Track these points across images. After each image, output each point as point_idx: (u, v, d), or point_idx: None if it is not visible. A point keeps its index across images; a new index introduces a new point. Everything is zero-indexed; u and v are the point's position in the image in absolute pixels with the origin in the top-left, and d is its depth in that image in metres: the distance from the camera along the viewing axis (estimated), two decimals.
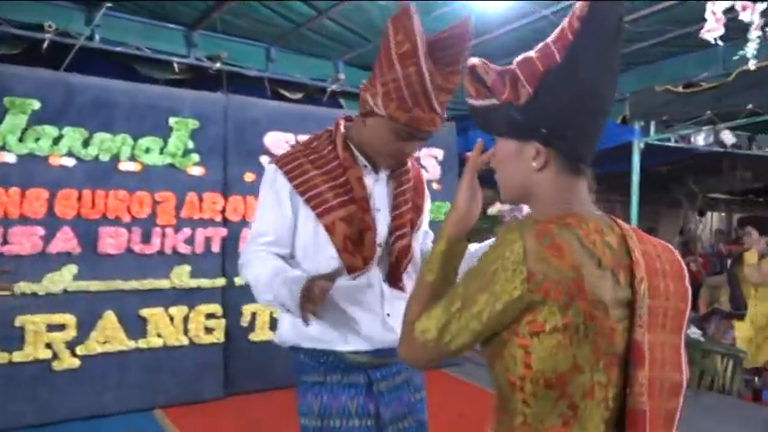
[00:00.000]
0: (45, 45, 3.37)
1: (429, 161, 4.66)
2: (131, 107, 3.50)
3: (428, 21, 3.95)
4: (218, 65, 3.96)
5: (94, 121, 3.39)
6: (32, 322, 3.16)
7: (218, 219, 3.77)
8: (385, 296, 1.62)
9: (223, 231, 3.78)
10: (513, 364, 0.96)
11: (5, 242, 3.11)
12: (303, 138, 4.01)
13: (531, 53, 1.02)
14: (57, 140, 3.27)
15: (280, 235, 1.59)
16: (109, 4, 3.38)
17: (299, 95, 4.69)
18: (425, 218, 1.78)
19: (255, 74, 4.17)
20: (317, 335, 1.57)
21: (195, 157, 3.70)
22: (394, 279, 1.65)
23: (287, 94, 4.64)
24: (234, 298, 3.81)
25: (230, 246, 3.80)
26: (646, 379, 0.98)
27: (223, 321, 3.77)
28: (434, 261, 1.08)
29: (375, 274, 1.62)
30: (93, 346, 3.34)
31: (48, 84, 3.27)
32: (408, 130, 1.54)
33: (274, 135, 3.98)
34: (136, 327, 3.49)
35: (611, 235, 1.01)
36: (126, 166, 3.46)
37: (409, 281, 1.67)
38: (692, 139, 5.36)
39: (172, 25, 3.78)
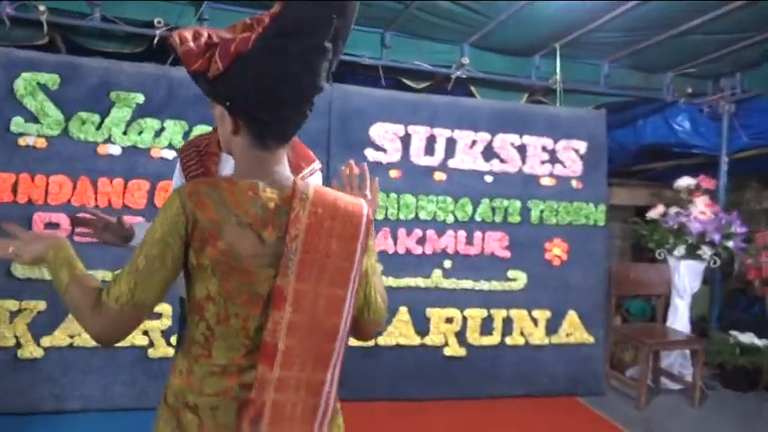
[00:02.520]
0: (155, 41, 3.53)
1: (568, 154, 4.06)
2: None
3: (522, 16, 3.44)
4: None
5: (195, 113, 3.45)
6: None
7: None
8: None
9: None
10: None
11: None
12: (415, 128, 3.77)
13: (237, 35, 1.15)
14: (158, 133, 3.39)
15: None
16: None
17: (423, 84, 4.40)
18: None
19: (369, 62, 3.98)
20: None
21: None
22: None
23: (410, 83, 4.37)
24: None
25: None
26: (284, 319, 1.18)
27: None
28: (57, 274, 1.22)
29: None
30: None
31: (152, 78, 3.40)
32: None
33: (381, 126, 3.75)
34: None
35: (272, 198, 1.21)
36: None
37: None
38: None
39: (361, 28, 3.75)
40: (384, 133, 3.75)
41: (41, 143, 3.21)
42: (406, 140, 3.79)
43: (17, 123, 3.18)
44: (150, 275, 1.13)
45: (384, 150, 3.76)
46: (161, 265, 1.13)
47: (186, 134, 3.41)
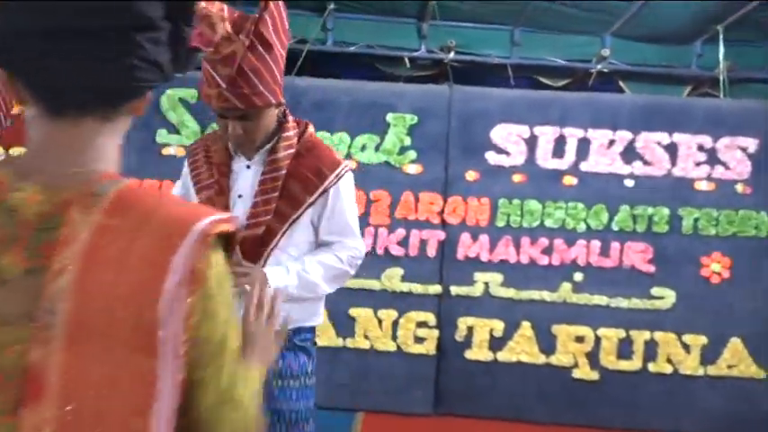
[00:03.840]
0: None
1: (732, 154, 3.50)
2: (351, 106, 3.59)
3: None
4: (451, 54, 3.75)
5: (316, 120, 3.54)
6: None
7: (436, 221, 3.56)
8: None
9: (440, 234, 3.56)
10: None
11: None
12: (542, 129, 3.54)
13: None
14: None
15: None
16: (332, 6, 3.55)
17: (561, 82, 4.11)
18: (318, 210, 1.82)
19: (497, 61, 3.81)
20: None
21: (412, 154, 3.57)
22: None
23: (547, 81, 4.11)
24: (450, 308, 3.56)
25: (448, 250, 3.56)
26: (45, 421, 0.66)
27: (436, 332, 3.55)
28: None
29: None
30: None
31: None
32: (215, 110, 1.69)
33: (504, 128, 3.56)
34: (345, 325, 3.56)
35: (32, 202, 0.72)
36: None
37: (274, 260, 1.80)
38: None
39: (401, 19, 3.75)
40: (507, 135, 3.55)
41: (181, 152, 3.58)
42: (531, 142, 3.56)
43: (161, 135, 3.58)
44: None
45: (507, 153, 3.56)
46: None
47: None
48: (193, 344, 0.73)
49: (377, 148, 3.58)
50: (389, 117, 3.57)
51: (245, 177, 1.81)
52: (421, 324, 3.56)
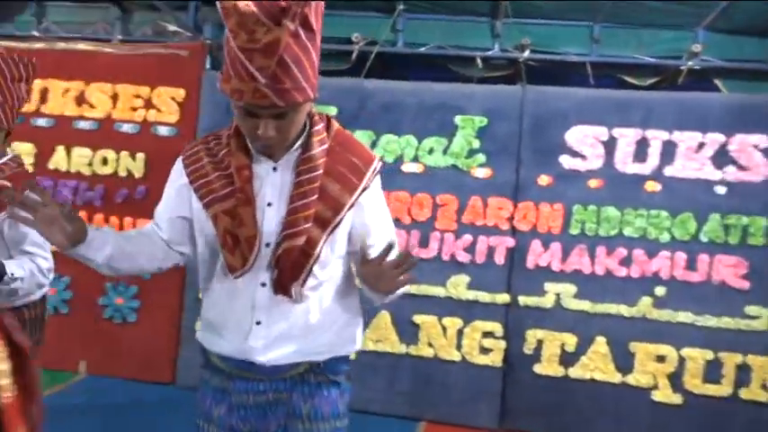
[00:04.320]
0: (354, 56, 3.73)
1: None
2: (419, 108, 3.52)
3: None
4: (526, 53, 3.59)
5: (384, 123, 3.55)
6: None
7: (505, 227, 3.42)
8: (257, 303, 1.51)
9: (510, 241, 3.41)
10: None
11: None
12: (621, 131, 3.32)
13: None
14: None
15: (160, 219, 1.59)
16: (402, 7, 3.50)
17: (650, 80, 3.83)
18: (359, 213, 1.55)
19: (575, 59, 3.60)
20: (202, 330, 1.63)
21: (481, 157, 3.45)
22: (280, 285, 1.50)
23: (633, 80, 3.85)
24: (518, 319, 3.40)
25: (518, 258, 3.41)
26: None
27: (502, 344, 3.40)
28: None
29: (257, 276, 1.50)
30: (367, 342, 3.49)
31: (345, 91, 3.59)
32: (243, 106, 1.37)
33: (580, 130, 3.37)
34: (408, 331, 3.49)
35: None
36: (409, 167, 3.51)
37: (312, 288, 1.54)
38: None
39: (473, 18, 3.63)
40: (583, 137, 3.35)
41: None
42: (610, 145, 3.34)
43: None
44: None
45: (582, 157, 3.36)
46: None
47: (373, 144, 3.53)
48: None
49: (444, 151, 3.49)
50: (458, 119, 3.48)
51: (273, 182, 1.51)
52: (487, 334, 3.42)
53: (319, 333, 1.56)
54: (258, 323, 1.50)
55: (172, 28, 3.76)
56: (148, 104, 3.75)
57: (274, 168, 1.50)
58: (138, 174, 3.74)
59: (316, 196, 1.48)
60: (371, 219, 1.56)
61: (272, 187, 1.50)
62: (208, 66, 3.81)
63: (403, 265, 1.41)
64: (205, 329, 1.61)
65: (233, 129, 1.52)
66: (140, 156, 3.74)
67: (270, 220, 1.49)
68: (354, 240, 1.57)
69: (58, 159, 3.82)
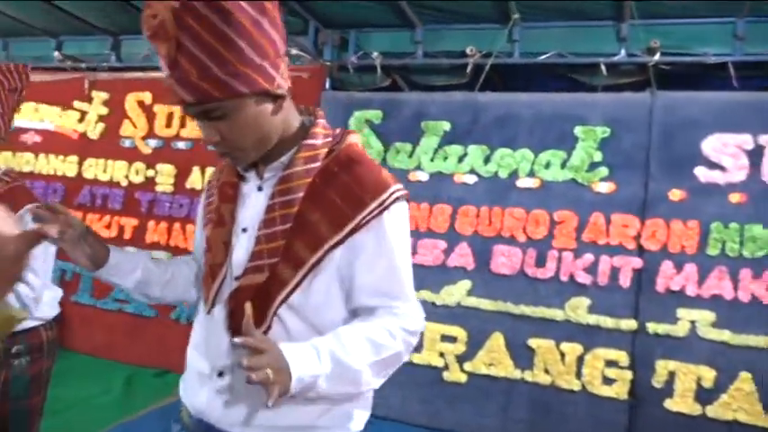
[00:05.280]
0: (469, 69, 3.65)
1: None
2: (535, 120, 3.38)
3: None
4: (656, 56, 3.29)
5: (498, 137, 3.44)
6: (429, 330, 3.47)
7: (631, 246, 3.16)
8: (221, 346, 1.23)
9: (636, 262, 3.14)
10: None
11: (414, 252, 3.55)
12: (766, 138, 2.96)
13: None
14: (461, 158, 3.50)
15: (195, 245, 1.46)
16: (516, 15, 3.37)
17: None
18: (349, 257, 1.20)
19: (714, 60, 3.23)
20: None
21: (604, 170, 3.23)
22: (235, 325, 1.20)
23: None
24: (646, 348, 3.12)
25: (646, 281, 3.13)
26: None
27: (628, 374, 3.13)
28: None
29: (222, 313, 1.25)
30: (480, 365, 3.38)
31: (459, 105, 3.54)
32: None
33: (719, 138, 3.04)
34: (523, 356, 3.32)
35: None
36: (524, 182, 3.36)
37: (280, 326, 1.20)
38: None
39: (596, 22, 3.39)
40: (722, 147, 3.02)
41: None
42: (755, 155, 2.98)
43: None
44: None
45: (722, 168, 3.02)
46: None
47: (487, 159, 3.44)
48: None
49: (563, 165, 3.31)
50: (578, 130, 3.28)
51: (254, 204, 1.27)
52: (611, 363, 3.16)
53: (297, 405, 1.19)
54: (220, 374, 1.23)
55: (294, 51, 3.94)
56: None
57: (259, 188, 1.27)
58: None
59: (288, 225, 1.21)
60: (364, 267, 1.21)
61: (251, 210, 1.27)
62: (327, 86, 3.96)
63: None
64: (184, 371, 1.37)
65: None
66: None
67: (241, 249, 1.25)
68: (352, 293, 1.23)
69: (194, 179, 4.16)
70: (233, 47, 1.09)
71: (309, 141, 1.25)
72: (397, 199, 1.23)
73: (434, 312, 3.49)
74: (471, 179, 3.48)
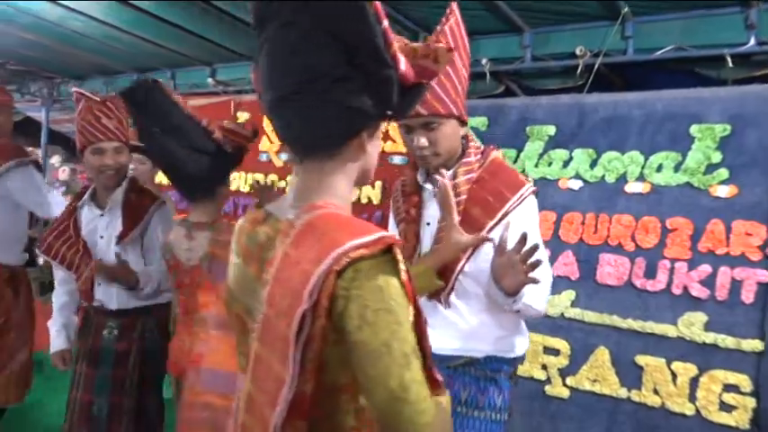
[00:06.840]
0: (579, 70, 3.50)
1: None
2: (645, 120, 3.17)
3: None
4: None
5: (605, 140, 3.29)
6: (532, 341, 3.34)
7: (756, 257, 2.83)
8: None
9: (762, 275, 2.82)
10: None
11: None
12: None
13: None
14: (566, 163, 3.38)
15: None
16: (626, 9, 3.17)
17: None
18: (504, 230, 1.71)
19: None
20: None
21: (724, 173, 2.93)
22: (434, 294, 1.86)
23: None
24: None
25: None
26: (244, 393, 0.97)
27: (751, 401, 2.80)
28: None
29: None
30: (583, 380, 3.23)
31: (564, 108, 3.43)
32: (400, 122, 1.93)
33: None
34: (630, 374, 3.11)
35: (266, 227, 1.05)
36: (633, 187, 3.17)
37: (463, 299, 1.87)
38: None
39: (719, 10, 3.08)
40: None
41: None
42: None
43: None
44: None
45: None
46: None
47: (593, 163, 3.29)
48: (352, 348, 0.91)
49: (677, 168, 3.07)
50: (693, 129, 3.03)
51: (433, 205, 1.89)
52: (730, 387, 2.85)
53: (474, 337, 1.88)
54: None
55: None
56: (385, 137, 4.16)
57: (434, 194, 1.91)
58: (375, 200, 4.16)
59: (458, 219, 1.75)
60: (513, 238, 1.69)
61: (431, 209, 1.93)
62: None
63: (529, 257, 1.58)
64: None
65: None
66: (378, 183, 4.16)
67: (427, 238, 1.93)
68: None
69: None
70: (452, 81, 1.75)
71: (467, 159, 1.88)
72: (530, 193, 1.90)
73: (537, 323, 3.39)
74: (576, 184, 3.35)
